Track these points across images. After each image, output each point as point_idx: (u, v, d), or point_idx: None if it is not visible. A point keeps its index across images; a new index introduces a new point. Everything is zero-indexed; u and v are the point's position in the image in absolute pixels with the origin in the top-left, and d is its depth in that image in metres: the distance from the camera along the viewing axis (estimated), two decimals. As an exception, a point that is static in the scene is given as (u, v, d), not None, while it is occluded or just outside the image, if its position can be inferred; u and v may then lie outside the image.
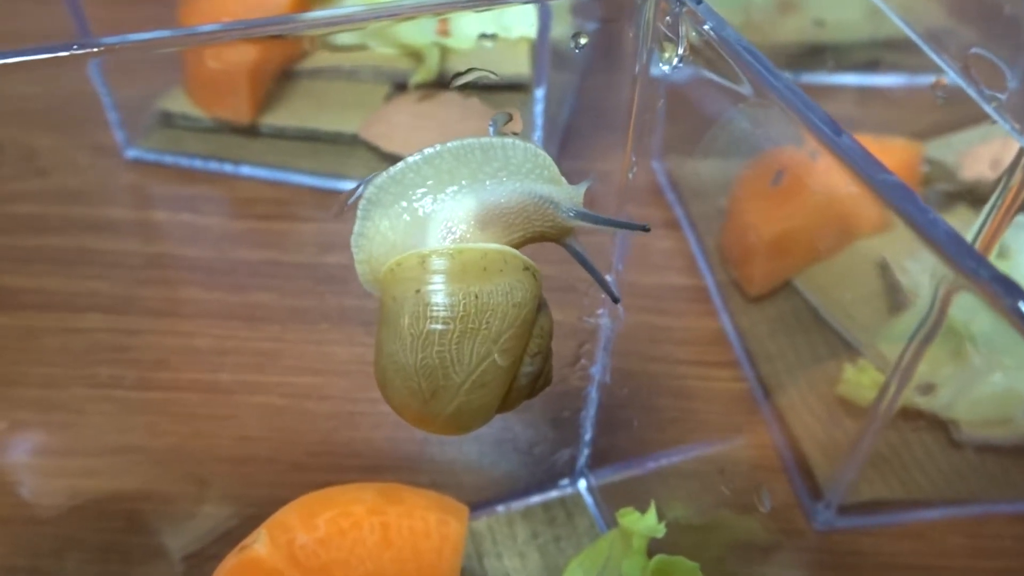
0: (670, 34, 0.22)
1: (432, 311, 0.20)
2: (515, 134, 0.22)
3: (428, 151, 0.21)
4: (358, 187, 0.21)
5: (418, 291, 0.20)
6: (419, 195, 0.21)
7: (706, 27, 0.20)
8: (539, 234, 0.22)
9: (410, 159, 0.21)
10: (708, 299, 0.46)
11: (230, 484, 0.36)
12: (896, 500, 0.36)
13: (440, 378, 0.20)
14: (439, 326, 0.20)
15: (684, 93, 0.25)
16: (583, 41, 0.23)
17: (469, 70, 0.23)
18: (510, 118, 0.21)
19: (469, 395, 0.21)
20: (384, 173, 0.21)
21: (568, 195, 0.22)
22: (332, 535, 0.27)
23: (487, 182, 0.21)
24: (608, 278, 0.29)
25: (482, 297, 0.20)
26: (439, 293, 0.20)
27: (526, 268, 0.21)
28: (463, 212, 0.21)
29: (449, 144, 0.21)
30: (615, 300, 0.23)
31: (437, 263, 0.20)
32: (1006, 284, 0.13)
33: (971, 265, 0.14)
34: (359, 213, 0.21)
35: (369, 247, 0.21)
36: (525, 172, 0.21)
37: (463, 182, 0.21)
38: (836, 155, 0.16)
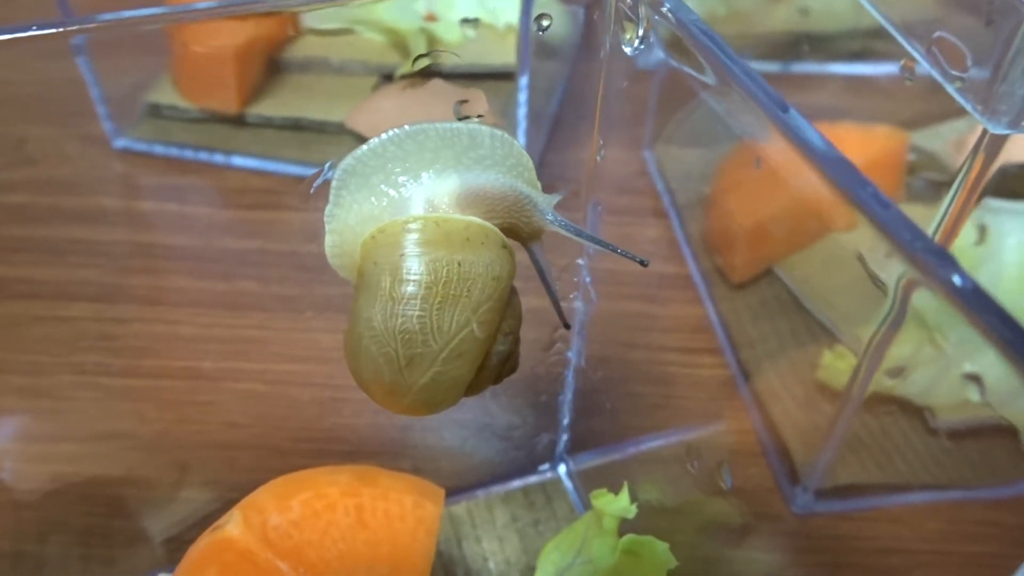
0: (631, 15, 0.22)
1: (415, 275, 0.20)
2: (480, 116, 0.22)
3: (411, 127, 0.21)
4: (321, 172, 0.22)
5: (401, 255, 0.20)
6: (400, 169, 0.21)
7: (664, 8, 0.20)
8: (512, 228, 0.22)
9: (391, 132, 0.21)
10: (692, 286, 0.46)
11: (213, 469, 0.37)
12: (874, 484, 0.36)
13: (419, 344, 0.21)
14: (422, 290, 0.20)
15: (674, 83, 0.25)
16: (546, 23, 0.23)
17: (432, 52, 0.23)
18: (465, 102, 0.21)
19: (445, 365, 0.21)
20: (364, 146, 0.21)
21: (546, 200, 0.22)
22: (306, 516, 0.27)
23: (471, 166, 0.21)
24: (580, 262, 0.29)
25: (464, 266, 0.20)
26: (423, 258, 0.20)
27: (504, 246, 0.22)
28: (445, 189, 0.21)
29: (436, 124, 0.21)
30: (566, 326, 0.24)
31: (421, 230, 0.21)
32: (939, 255, 0.13)
33: (907, 237, 0.14)
34: (334, 184, 0.21)
35: (344, 216, 0.21)
36: (508, 167, 0.22)
37: (447, 162, 0.21)
38: (783, 132, 0.16)
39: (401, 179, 0.21)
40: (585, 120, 0.51)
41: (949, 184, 0.44)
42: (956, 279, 0.13)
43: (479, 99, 0.22)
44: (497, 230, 0.21)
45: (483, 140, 0.21)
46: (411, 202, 0.21)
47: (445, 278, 0.20)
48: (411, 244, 0.20)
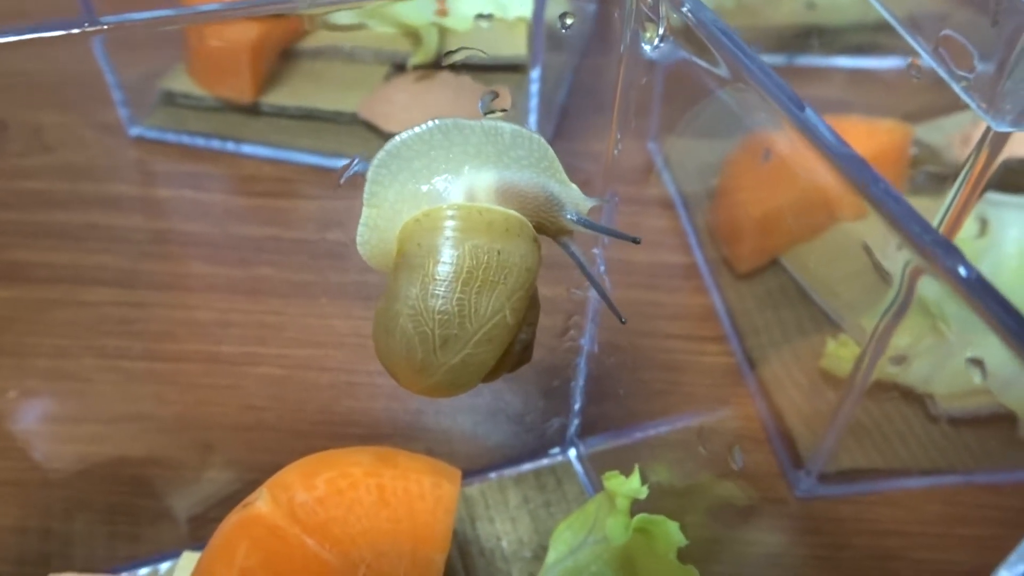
0: (651, 15, 0.23)
1: (457, 259, 0.21)
2: (504, 111, 0.23)
3: (460, 120, 0.22)
4: (351, 163, 0.22)
5: (446, 238, 0.21)
6: (443, 156, 0.22)
7: (684, 9, 0.21)
8: (539, 225, 0.23)
9: (438, 122, 0.22)
10: (699, 276, 0.47)
11: (233, 450, 0.38)
12: (875, 469, 0.37)
13: (455, 326, 0.21)
14: (463, 274, 0.21)
15: (679, 74, 0.26)
16: (570, 21, 0.24)
17: (460, 48, 0.24)
18: (496, 96, 0.22)
19: (476, 348, 0.22)
20: (409, 131, 0.22)
21: (574, 200, 0.23)
22: (330, 494, 0.28)
23: (510, 164, 0.22)
24: (595, 251, 0.30)
25: (503, 254, 0.21)
26: (466, 243, 0.21)
27: (535, 240, 0.23)
28: (484, 183, 0.22)
29: (482, 121, 0.22)
30: (621, 320, 0.25)
31: (466, 217, 0.21)
32: (946, 247, 0.14)
33: (916, 230, 0.15)
34: (375, 164, 0.22)
35: (384, 194, 0.22)
36: (543, 168, 0.23)
37: (488, 157, 0.22)
38: (799, 129, 0.17)
39: (443, 167, 0.22)
40: (596, 111, 0.52)
41: (950, 177, 0.45)
42: (961, 269, 0.14)
43: (504, 95, 0.23)
44: (530, 225, 0.22)
45: (523, 142, 0.22)
46: (451, 190, 0.22)
47: (485, 264, 0.21)
48: (455, 230, 0.21)
